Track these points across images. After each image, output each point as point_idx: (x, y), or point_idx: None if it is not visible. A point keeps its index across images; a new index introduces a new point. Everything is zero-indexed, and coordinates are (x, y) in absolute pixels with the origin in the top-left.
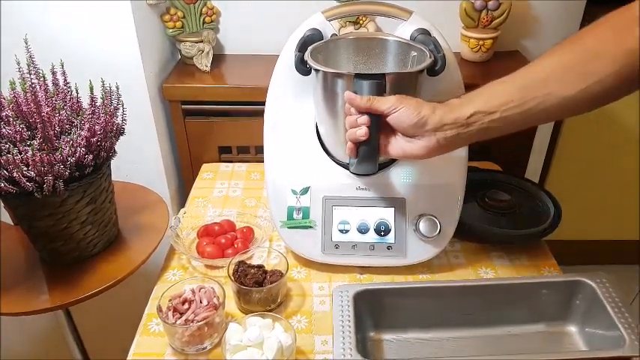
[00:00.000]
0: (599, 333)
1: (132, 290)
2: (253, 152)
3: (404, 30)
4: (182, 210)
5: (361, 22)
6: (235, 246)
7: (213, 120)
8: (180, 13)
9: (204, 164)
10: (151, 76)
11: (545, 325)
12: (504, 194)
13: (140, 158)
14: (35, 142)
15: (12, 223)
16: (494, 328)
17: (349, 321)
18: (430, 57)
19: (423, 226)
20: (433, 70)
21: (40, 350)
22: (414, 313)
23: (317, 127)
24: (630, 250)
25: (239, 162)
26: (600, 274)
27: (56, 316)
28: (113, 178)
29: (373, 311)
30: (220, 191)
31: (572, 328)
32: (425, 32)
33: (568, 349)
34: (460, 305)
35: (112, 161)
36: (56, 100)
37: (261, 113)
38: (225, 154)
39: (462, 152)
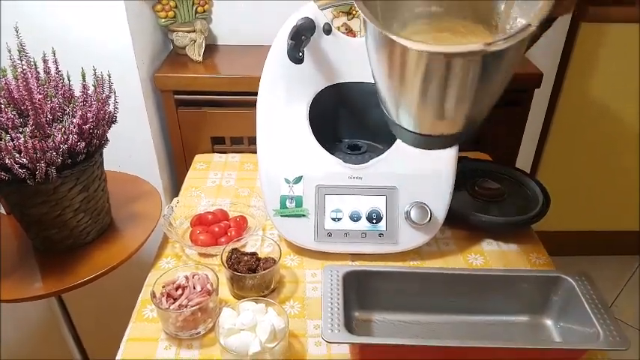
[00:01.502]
0: (576, 328)
1: (125, 280)
2: (246, 143)
3: None
4: (175, 199)
5: (354, 12)
6: (229, 234)
7: (205, 110)
8: (172, 3)
9: (198, 155)
10: (142, 66)
11: (523, 317)
12: (494, 183)
13: (133, 149)
14: (27, 129)
15: (5, 213)
16: (475, 315)
17: (338, 299)
18: None
19: (413, 213)
20: None
21: (36, 345)
22: (399, 297)
23: (309, 115)
24: (622, 240)
25: (232, 153)
26: (581, 272)
27: (49, 303)
28: (106, 168)
29: (360, 292)
30: (214, 181)
31: (549, 322)
32: None
33: (542, 340)
34: (443, 292)
35: (106, 152)
36: (48, 88)
37: (254, 104)
38: (218, 145)
39: None
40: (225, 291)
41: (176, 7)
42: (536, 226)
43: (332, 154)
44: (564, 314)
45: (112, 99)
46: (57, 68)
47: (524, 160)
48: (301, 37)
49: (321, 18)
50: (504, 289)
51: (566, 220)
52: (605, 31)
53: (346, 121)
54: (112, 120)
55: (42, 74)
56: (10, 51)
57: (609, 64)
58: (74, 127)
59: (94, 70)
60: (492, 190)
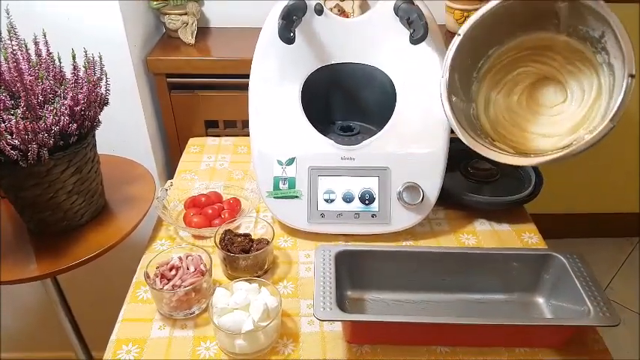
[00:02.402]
0: (567, 306)
1: (120, 263)
2: (240, 127)
3: None
4: (169, 182)
5: None
6: (222, 216)
7: (199, 93)
8: None
9: (191, 138)
10: (135, 50)
11: (515, 295)
12: (486, 163)
13: (126, 132)
14: (19, 111)
15: None
16: (467, 294)
17: (330, 278)
18: None
19: (406, 193)
20: (415, 38)
21: (34, 331)
22: (391, 276)
23: (301, 97)
24: (618, 222)
25: (226, 136)
26: (572, 251)
27: (45, 287)
28: (100, 152)
29: (352, 272)
30: (207, 164)
31: (541, 300)
32: (408, 1)
33: (533, 317)
34: (435, 270)
35: (99, 135)
36: (39, 70)
37: (247, 87)
38: (211, 128)
39: (445, 121)
40: (219, 273)
41: None
42: (532, 208)
43: (324, 135)
44: (556, 292)
45: (104, 81)
46: (48, 50)
47: None
48: (292, 17)
49: None
50: (496, 267)
51: (562, 203)
52: None
53: (339, 103)
54: (103, 102)
55: (33, 56)
56: None
57: None
58: (65, 108)
59: (85, 52)
60: (485, 170)
